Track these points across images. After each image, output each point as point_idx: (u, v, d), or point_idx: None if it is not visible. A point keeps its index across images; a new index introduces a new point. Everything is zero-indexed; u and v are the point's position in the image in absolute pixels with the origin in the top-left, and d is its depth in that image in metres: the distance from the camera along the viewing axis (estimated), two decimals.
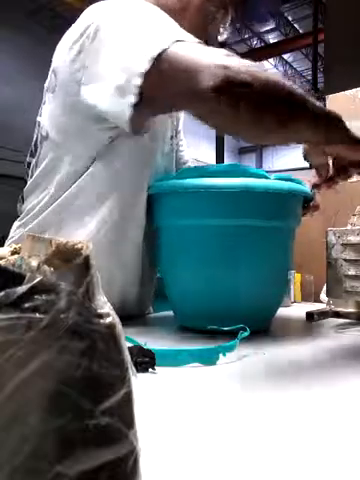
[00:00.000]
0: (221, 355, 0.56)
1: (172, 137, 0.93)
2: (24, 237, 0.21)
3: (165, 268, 0.83)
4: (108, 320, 0.19)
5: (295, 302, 1.15)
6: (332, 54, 2.60)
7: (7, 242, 0.88)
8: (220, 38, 0.92)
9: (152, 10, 0.74)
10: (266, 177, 0.75)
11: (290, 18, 8.44)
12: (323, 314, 0.86)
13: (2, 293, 0.17)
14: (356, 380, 0.50)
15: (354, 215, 0.84)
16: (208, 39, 0.89)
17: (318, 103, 0.63)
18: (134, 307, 0.87)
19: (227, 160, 7.64)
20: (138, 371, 0.50)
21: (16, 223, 0.88)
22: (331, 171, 0.73)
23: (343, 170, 0.71)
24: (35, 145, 0.86)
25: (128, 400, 0.19)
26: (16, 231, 0.87)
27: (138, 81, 0.64)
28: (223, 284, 0.73)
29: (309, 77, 9.65)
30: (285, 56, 9.60)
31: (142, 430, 0.21)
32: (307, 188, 0.78)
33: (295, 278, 1.16)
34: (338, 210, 1.11)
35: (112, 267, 0.80)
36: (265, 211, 0.73)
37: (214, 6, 0.88)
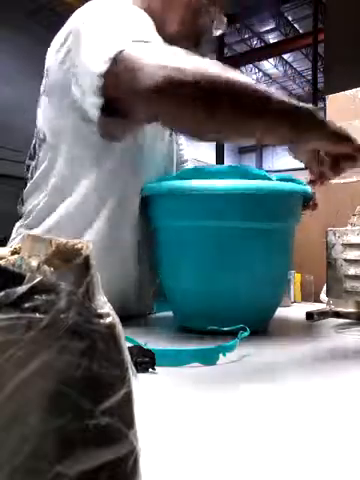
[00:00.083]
0: (221, 355, 0.56)
1: (171, 136, 0.93)
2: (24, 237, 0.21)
3: (164, 269, 0.83)
4: (108, 320, 0.19)
5: (295, 302, 1.15)
6: (332, 54, 2.60)
7: (9, 243, 0.89)
8: (215, 33, 0.90)
9: (127, 11, 0.74)
10: (268, 178, 0.74)
11: (290, 18, 8.43)
12: (323, 314, 0.86)
13: (2, 293, 0.17)
14: (356, 380, 0.50)
15: (354, 215, 0.84)
16: (202, 34, 0.86)
17: (293, 101, 0.62)
18: (133, 307, 0.87)
19: (227, 160, 7.63)
20: (138, 371, 0.50)
21: (17, 224, 0.89)
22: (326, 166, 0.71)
23: (334, 165, 0.69)
24: (34, 148, 0.87)
25: (128, 400, 0.19)
26: (18, 232, 0.88)
27: (99, 82, 0.64)
28: (222, 285, 0.73)
29: (309, 77, 9.64)
30: (285, 56, 9.59)
31: (142, 430, 0.21)
32: (306, 187, 0.78)
33: (295, 278, 1.16)
34: (338, 210, 1.11)
35: (109, 267, 0.80)
36: (264, 213, 0.73)
37: None
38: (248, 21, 8.03)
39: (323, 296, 1.02)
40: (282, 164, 10.14)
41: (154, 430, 0.35)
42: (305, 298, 1.19)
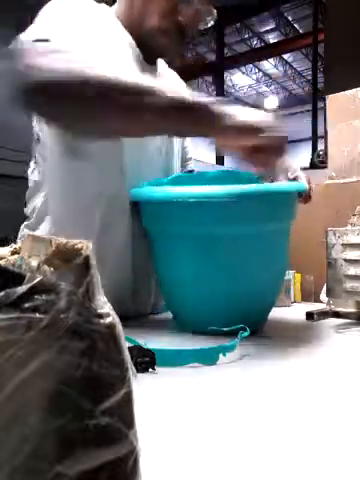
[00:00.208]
0: (221, 355, 0.56)
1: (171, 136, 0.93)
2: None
3: (161, 273, 0.82)
4: (108, 320, 0.19)
5: (295, 302, 1.15)
6: (332, 54, 2.60)
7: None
8: (204, 25, 0.87)
9: (71, 7, 0.74)
10: (256, 179, 0.74)
11: (290, 18, 8.44)
12: (323, 314, 0.86)
13: (2, 293, 0.17)
14: (357, 380, 0.50)
15: (354, 215, 0.83)
16: (184, 27, 0.83)
17: (185, 97, 0.61)
18: (130, 307, 0.87)
19: (227, 160, 7.62)
20: (138, 371, 0.50)
21: (22, 225, 0.90)
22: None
23: (261, 158, 0.66)
24: (32, 149, 0.87)
25: (128, 400, 0.19)
26: (23, 232, 0.89)
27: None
28: (220, 287, 0.72)
29: (309, 77, 9.65)
30: (285, 56, 9.60)
31: (142, 430, 0.21)
32: (302, 185, 0.76)
33: (295, 278, 1.16)
34: (338, 210, 1.11)
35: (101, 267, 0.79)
36: (258, 215, 0.71)
37: None
38: (248, 21, 8.03)
39: (323, 296, 1.02)
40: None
41: (154, 430, 0.35)
42: (305, 298, 1.19)
